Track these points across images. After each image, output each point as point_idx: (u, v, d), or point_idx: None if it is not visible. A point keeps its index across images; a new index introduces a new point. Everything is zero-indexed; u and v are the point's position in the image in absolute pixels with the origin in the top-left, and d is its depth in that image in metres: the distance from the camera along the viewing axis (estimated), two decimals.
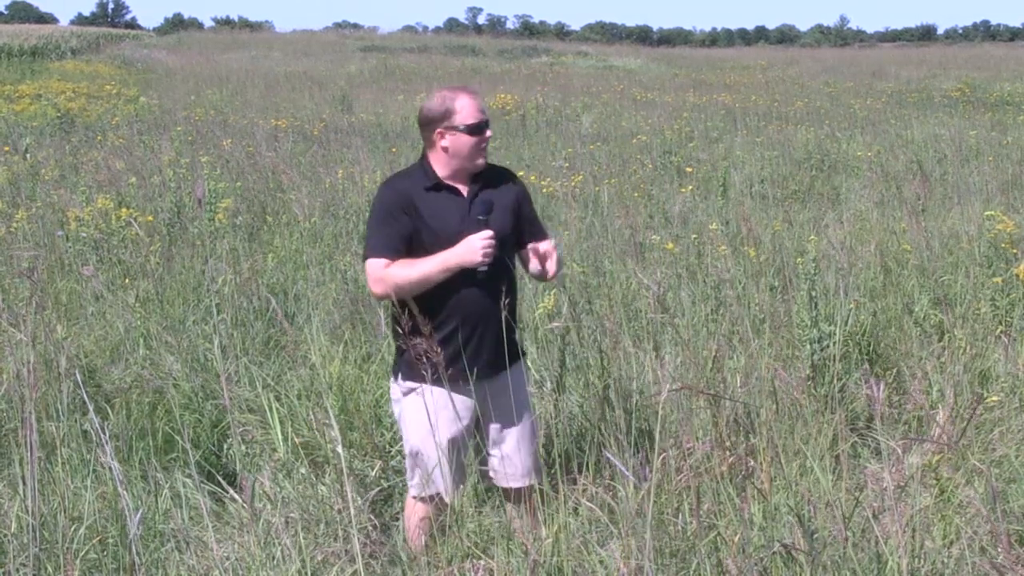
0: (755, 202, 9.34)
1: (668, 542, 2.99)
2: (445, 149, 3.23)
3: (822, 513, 2.98)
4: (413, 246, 3.18)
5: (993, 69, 29.11)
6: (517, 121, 16.18)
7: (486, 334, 3.25)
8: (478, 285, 3.19)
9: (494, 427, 3.37)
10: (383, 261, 3.15)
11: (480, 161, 3.27)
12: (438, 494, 3.31)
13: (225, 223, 7.35)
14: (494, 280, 3.20)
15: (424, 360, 2.95)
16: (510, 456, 3.38)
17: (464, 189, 3.27)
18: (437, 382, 3.07)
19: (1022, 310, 5.31)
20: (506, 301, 3.16)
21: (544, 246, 3.34)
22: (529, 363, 4.85)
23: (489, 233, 3.13)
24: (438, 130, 3.22)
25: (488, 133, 3.26)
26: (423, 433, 3.23)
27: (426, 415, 3.15)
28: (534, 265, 3.34)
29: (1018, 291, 5.40)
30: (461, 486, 3.38)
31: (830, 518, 2.95)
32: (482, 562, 2.79)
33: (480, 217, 3.17)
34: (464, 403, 3.25)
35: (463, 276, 3.16)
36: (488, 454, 3.42)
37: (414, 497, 3.41)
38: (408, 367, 3.23)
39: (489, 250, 3.12)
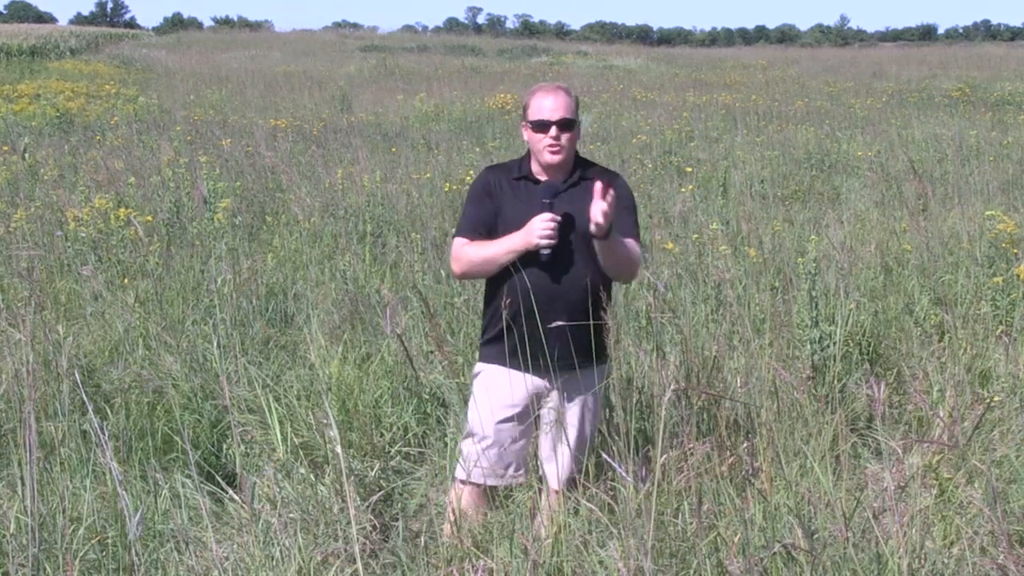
0: (755, 202, 9.33)
1: (668, 542, 2.99)
2: (526, 142, 3.37)
3: (822, 513, 2.97)
4: (497, 233, 3.27)
5: (993, 69, 29.08)
6: (517, 120, 16.16)
7: (551, 325, 3.17)
8: (542, 271, 3.19)
9: (546, 424, 3.37)
10: (463, 240, 3.31)
11: (549, 158, 3.28)
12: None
13: (224, 223, 7.34)
14: (561, 270, 3.21)
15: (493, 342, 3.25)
16: (550, 457, 3.37)
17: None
18: (499, 364, 3.28)
19: (1023, 310, 5.31)
20: (584, 296, 3.17)
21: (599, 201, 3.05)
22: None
23: (549, 216, 3.15)
24: (523, 123, 3.38)
25: (552, 132, 3.24)
26: (478, 415, 3.31)
27: (484, 397, 3.29)
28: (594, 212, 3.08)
29: (1019, 291, 5.40)
30: (510, 474, 3.37)
31: (830, 518, 2.94)
32: (482, 562, 2.78)
33: (544, 200, 3.20)
34: (521, 390, 3.29)
35: (527, 261, 3.19)
36: (537, 446, 3.45)
37: (459, 480, 3.42)
38: (480, 348, 3.42)
39: (548, 231, 3.13)
